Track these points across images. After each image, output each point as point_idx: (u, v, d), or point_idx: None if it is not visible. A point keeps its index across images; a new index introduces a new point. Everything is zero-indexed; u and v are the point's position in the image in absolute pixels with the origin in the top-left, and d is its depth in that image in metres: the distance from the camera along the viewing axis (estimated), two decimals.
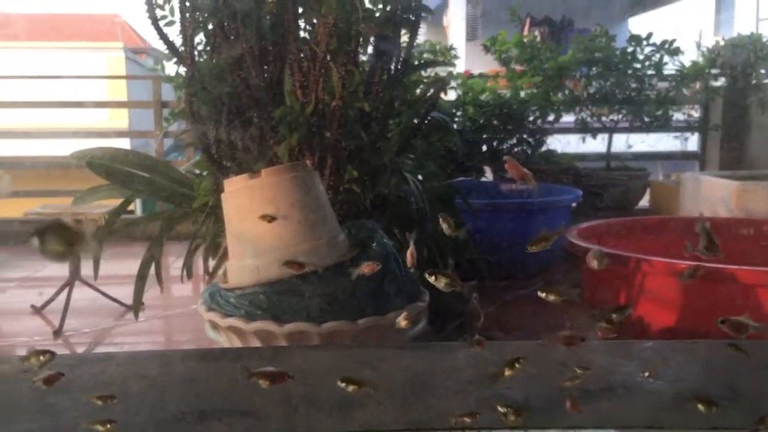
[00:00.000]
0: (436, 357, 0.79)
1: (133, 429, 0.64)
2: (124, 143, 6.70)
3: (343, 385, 0.66)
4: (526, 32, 6.19)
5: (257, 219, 1.35)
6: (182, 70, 2.61)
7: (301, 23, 1.70)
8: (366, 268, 1.09)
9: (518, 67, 4.41)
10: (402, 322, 0.98)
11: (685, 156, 5.27)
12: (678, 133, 5.07)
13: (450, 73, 3.98)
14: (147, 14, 1.68)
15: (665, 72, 4.40)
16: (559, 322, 2.92)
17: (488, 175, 4.40)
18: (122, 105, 9.26)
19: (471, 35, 9.53)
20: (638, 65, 4.30)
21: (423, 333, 1.73)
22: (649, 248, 2.34)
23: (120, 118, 9.62)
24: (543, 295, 0.97)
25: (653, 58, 4.31)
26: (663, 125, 4.55)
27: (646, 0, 10.58)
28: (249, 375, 0.64)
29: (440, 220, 1.08)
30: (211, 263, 2.03)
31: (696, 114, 4.98)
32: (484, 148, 4.31)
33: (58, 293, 2.83)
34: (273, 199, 1.35)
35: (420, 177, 2.27)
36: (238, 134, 1.73)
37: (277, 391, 0.64)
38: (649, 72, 4.35)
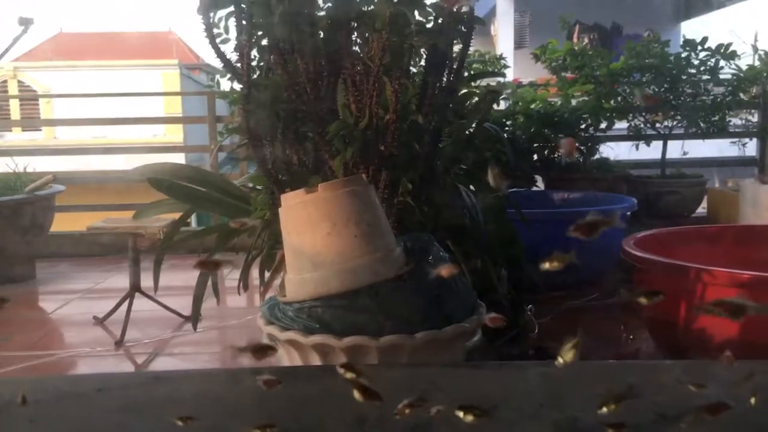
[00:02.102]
0: (506, 377, 0.78)
1: None
2: (180, 157, 6.89)
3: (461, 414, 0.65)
4: (575, 39, 6.12)
5: (314, 233, 1.36)
6: (236, 86, 2.67)
7: (355, 38, 1.72)
8: (444, 270, 1.08)
9: (569, 75, 4.36)
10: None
11: (743, 162, 5.13)
12: (735, 139, 4.93)
13: (503, 84, 3.96)
14: (205, 33, 1.72)
15: (721, 76, 4.29)
16: (613, 332, 2.87)
17: (539, 185, 4.36)
18: (179, 120, 9.54)
19: (518, 43, 9.49)
20: (693, 70, 4.21)
21: (478, 346, 1.72)
22: (709, 257, 2.28)
23: (175, 133, 9.91)
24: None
25: (708, 63, 4.20)
26: (720, 131, 4.44)
27: (698, 4, 10.34)
28: (351, 376, 0.63)
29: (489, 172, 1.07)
30: (266, 275, 2.06)
31: (754, 119, 4.84)
32: (535, 157, 4.28)
33: (119, 304, 2.91)
34: (329, 214, 1.37)
35: (472, 188, 2.26)
36: (293, 149, 1.76)
37: (348, 412, 0.64)
38: (705, 77, 4.25)
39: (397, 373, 0.78)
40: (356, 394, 0.62)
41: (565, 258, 0.90)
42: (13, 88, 11.22)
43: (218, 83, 3.46)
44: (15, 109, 10.55)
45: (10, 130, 10.59)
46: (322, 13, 1.71)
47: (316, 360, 1.36)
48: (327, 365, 1.09)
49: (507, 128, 4.14)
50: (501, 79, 4.09)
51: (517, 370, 0.79)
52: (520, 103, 4.23)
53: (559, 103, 4.29)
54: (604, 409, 0.63)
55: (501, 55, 4.75)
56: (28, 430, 0.67)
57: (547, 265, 0.90)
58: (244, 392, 0.76)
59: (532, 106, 4.22)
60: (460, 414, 0.67)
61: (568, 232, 0.79)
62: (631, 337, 2.68)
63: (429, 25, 1.76)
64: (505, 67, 4.66)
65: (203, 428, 0.65)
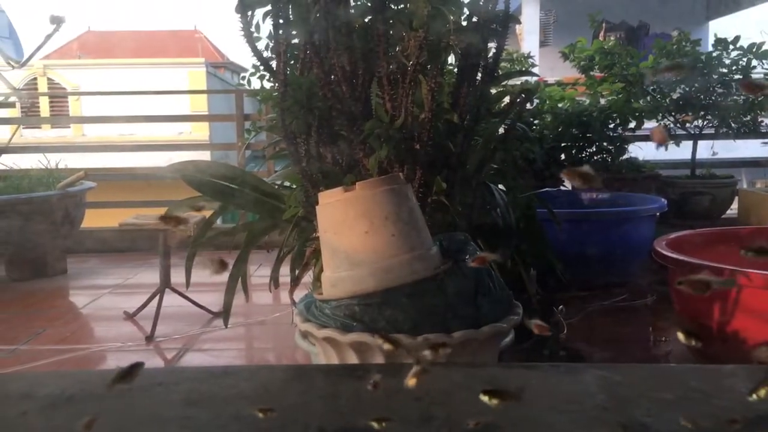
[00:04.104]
0: (563, 378, 0.77)
1: None
2: (205, 155, 6.95)
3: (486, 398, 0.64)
4: (602, 38, 6.08)
5: (352, 232, 1.37)
6: (267, 84, 2.68)
7: (390, 36, 1.72)
8: (475, 261, 1.07)
9: (597, 74, 4.32)
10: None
11: None
12: (766, 140, 4.86)
13: (537, 83, 3.94)
14: (242, 32, 1.73)
15: (753, 76, 4.22)
16: (643, 333, 2.84)
17: (566, 184, 4.33)
18: (206, 118, 9.62)
19: (542, 42, 9.45)
20: (724, 70, 4.15)
21: (509, 346, 1.72)
22: (743, 259, 2.25)
23: (201, 131, 10.00)
24: None
25: (740, 62, 4.14)
26: (751, 131, 4.37)
27: (727, 2, 10.21)
28: (422, 364, 0.63)
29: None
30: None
31: None
32: (563, 156, 4.25)
33: (149, 300, 2.94)
34: (367, 212, 1.37)
35: (502, 188, 2.26)
36: (328, 148, 1.77)
37: (414, 410, 0.64)
38: (737, 77, 4.19)
39: (455, 372, 0.77)
40: (411, 381, 0.62)
41: None
42: (42, 86, 11.40)
43: (249, 81, 3.48)
44: (44, 106, 10.71)
45: (40, 127, 10.75)
46: (359, 12, 1.71)
47: (353, 358, 1.36)
48: (393, 363, 1.09)
49: (534, 127, 4.11)
50: (529, 78, 4.07)
51: (573, 372, 0.78)
52: (547, 102, 4.20)
53: (587, 102, 4.26)
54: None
55: (529, 53, 4.72)
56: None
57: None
58: (307, 388, 0.77)
59: (560, 105, 4.19)
60: (485, 399, 0.67)
61: (562, 174, 0.78)
62: (662, 338, 2.66)
63: (464, 24, 1.75)
64: (533, 65, 4.63)
65: (276, 421, 0.65)
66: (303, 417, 0.66)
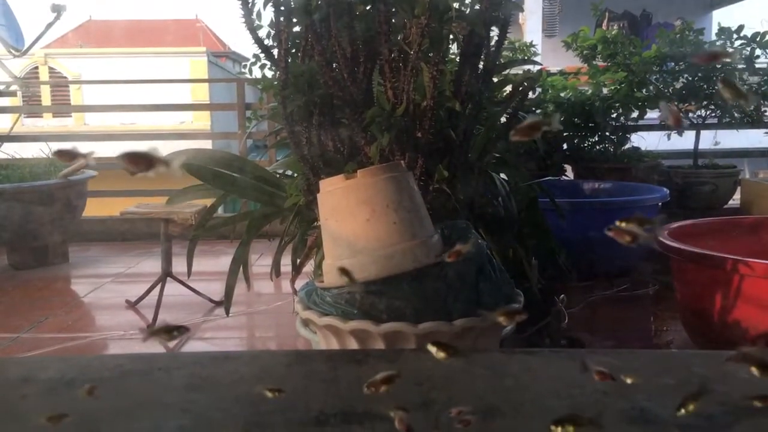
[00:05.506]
0: (563, 364, 0.77)
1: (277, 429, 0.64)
2: (207, 144, 6.94)
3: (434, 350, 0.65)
4: (605, 27, 6.05)
5: (353, 219, 1.37)
6: (268, 73, 2.67)
7: (393, 22, 1.71)
8: (451, 255, 1.07)
9: (600, 64, 4.31)
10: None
11: None
12: None
13: (539, 72, 3.93)
14: (243, 19, 1.73)
15: (756, 66, 4.21)
16: (643, 323, 2.85)
17: (569, 174, 4.33)
18: (208, 107, 9.61)
19: (548, 32, 9.39)
20: (728, 59, 4.13)
21: (509, 335, 1.72)
22: (745, 249, 2.25)
23: (203, 120, 10.00)
24: None
25: (744, 52, 4.12)
26: (755, 121, 4.36)
27: None
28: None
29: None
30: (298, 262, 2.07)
31: None
32: (565, 146, 4.24)
33: (151, 289, 2.95)
34: (369, 200, 1.37)
35: (504, 176, 2.25)
36: (330, 135, 1.76)
37: (418, 396, 0.64)
38: (740, 66, 4.17)
39: (456, 358, 0.77)
40: (383, 387, 0.62)
41: None
42: (43, 74, 11.37)
43: (250, 70, 3.47)
44: (46, 95, 10.70)
45: (41, 116, 10.74)
46: None
47: (353, 345, 1.36)
48: (397, 348, 1.09)
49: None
50: (531, 67, 4.05)
51: (575, 358, 0.78)
52: (549, 92, 4.19)
53: (590, 91, 4.25)
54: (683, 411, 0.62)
55: (531, 42, 4.71)
56: (91, 406, 0.68)
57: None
58: (308, 372, 0.77)
59: (563, 95, 4.18)
60: (433, 350, 0.68)
61: (511, 137, 0.80)
62: (663, 328, 2.66)
63: (467, 11, 1.74)
64: (535, 54, 4.61)
65: (277, 404, 0.65)
66: (304, 401, 0.66)
